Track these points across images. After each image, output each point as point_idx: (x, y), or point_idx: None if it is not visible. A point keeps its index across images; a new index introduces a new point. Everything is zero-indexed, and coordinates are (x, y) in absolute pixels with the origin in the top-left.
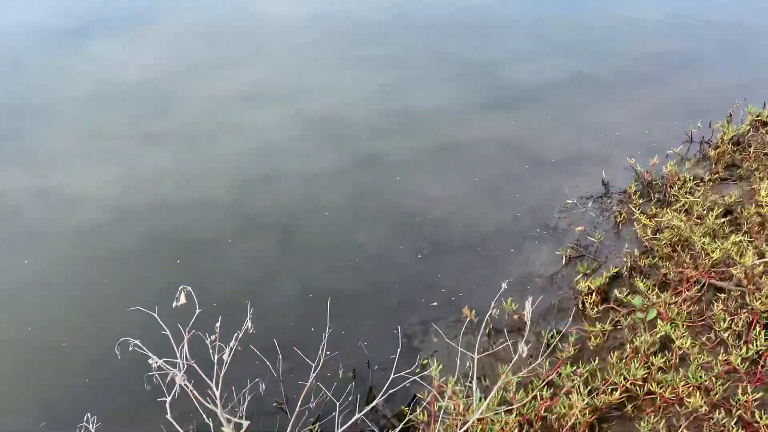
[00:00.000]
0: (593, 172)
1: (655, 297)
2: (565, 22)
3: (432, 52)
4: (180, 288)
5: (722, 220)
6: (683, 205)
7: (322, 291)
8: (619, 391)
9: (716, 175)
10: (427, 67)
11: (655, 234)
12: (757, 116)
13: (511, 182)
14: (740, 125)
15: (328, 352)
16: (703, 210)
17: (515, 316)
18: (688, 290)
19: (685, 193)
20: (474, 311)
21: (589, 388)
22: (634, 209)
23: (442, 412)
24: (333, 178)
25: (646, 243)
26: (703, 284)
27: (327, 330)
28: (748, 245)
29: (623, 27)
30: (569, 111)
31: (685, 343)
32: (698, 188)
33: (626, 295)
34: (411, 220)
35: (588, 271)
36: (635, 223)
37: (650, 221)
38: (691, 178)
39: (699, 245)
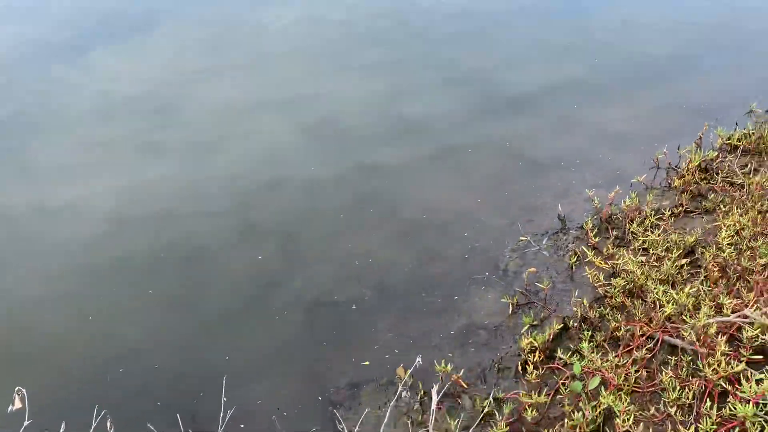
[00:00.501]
0: (551, 203)
1: (599, 360)
2: (565, 27)
3: (427, 58)
4: (15, 389)
5: (683, 261)
6: (642, 244)
7: (234, 350)
8: None
9: (680, 208)
10: (419, 74)
11: (610, 279)
12: (728, 139)
13: (462, 217)
14: (709, 150)
15: (242, 426)
16: (662, 251)
17: (454, 378)
18: (638, 349)
19: (644, 230)
20: (409, 372)
21: None
22: (587, 250)
23: None
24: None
25: (600, 289)
26: (657, 340)
27: (224, 407)
28: (706, 296)
29: (619, 32)
30: (534, 132)
31: (629, 419)
32: (661, 223)
33: (570, 355)
34: (350, 261)
35: (535, 322)
36: (588, 266)
37: (605, 263)
38: (652, 212)
39: (654, 295)
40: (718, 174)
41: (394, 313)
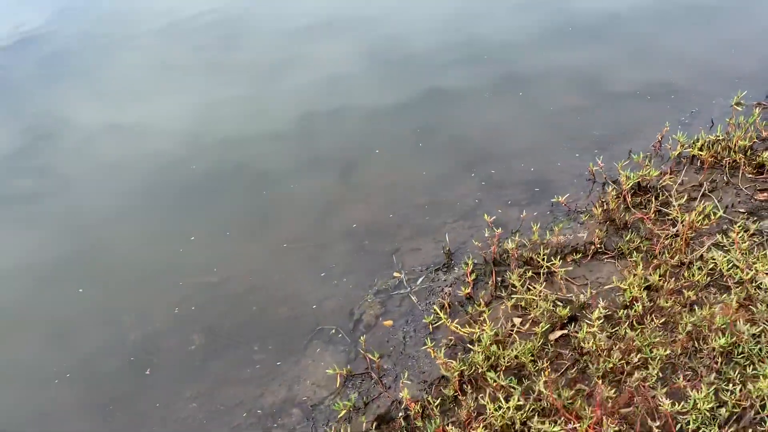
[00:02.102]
0: (442, 230)
1: None
2: None
3: None
4: None
5: (558, 334)
6: (518, 302)
7: None
8: None
9: (592, 248)
10: None
11: (463, 352)
12: (689, 147)
13: (341, 242)
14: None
15: None
16: (539, 315)
17: None
18: None
19: (524, 284)
20: None
21: None
22: (438, 310)
23: None
24: None
25: (443, 369)
26: None
27: None
28: (547, 405)
29: None
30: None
31: None
32: (557, 270)
33: None
34: (170, 308)
35: (355, 407)
36: (441, 330)
37: (464, 329)
38: (544, 256)
39: (485, 396)
40: (659, 197)
41: (214, 373)
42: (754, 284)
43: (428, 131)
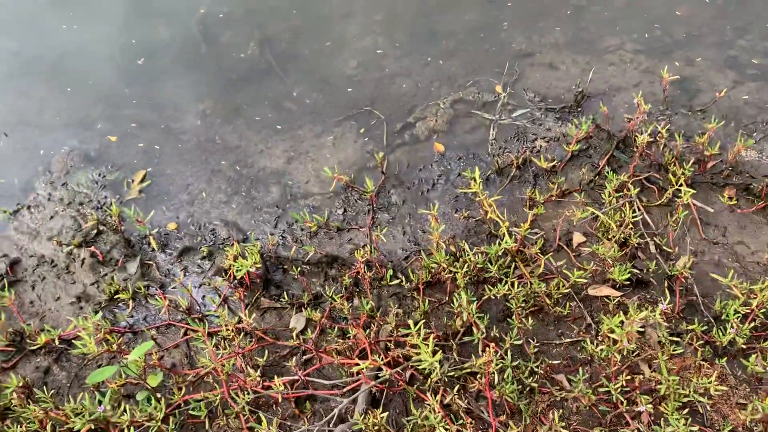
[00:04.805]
0: (608, 58)
1: None
2: None
3: None
4: None
5: (603, 292)
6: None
7: None
8: None
9: None
10: None
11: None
12: None
13: (482, 7)
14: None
15: None
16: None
17: None
18: None
19: (620, 195)
20: None
21: None
22: (477, 177)
23: None
24: None
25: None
26: None
27: None
28: None
29: None
30: None
31: None
32: (701, 205)
33: None
34: None
35: (327, 225)
36: None
37: (494, 213)
38: (681, 172)
39: None
40: None
41: (236, 97)
42: None
43: None
